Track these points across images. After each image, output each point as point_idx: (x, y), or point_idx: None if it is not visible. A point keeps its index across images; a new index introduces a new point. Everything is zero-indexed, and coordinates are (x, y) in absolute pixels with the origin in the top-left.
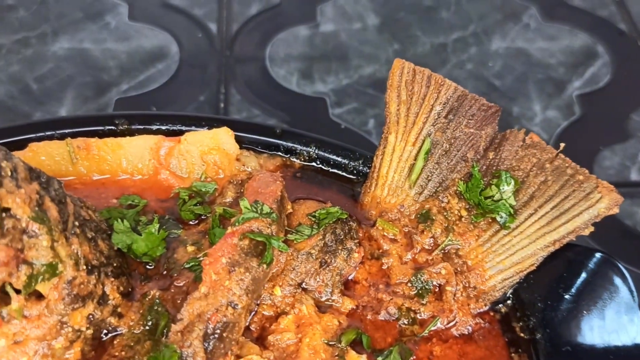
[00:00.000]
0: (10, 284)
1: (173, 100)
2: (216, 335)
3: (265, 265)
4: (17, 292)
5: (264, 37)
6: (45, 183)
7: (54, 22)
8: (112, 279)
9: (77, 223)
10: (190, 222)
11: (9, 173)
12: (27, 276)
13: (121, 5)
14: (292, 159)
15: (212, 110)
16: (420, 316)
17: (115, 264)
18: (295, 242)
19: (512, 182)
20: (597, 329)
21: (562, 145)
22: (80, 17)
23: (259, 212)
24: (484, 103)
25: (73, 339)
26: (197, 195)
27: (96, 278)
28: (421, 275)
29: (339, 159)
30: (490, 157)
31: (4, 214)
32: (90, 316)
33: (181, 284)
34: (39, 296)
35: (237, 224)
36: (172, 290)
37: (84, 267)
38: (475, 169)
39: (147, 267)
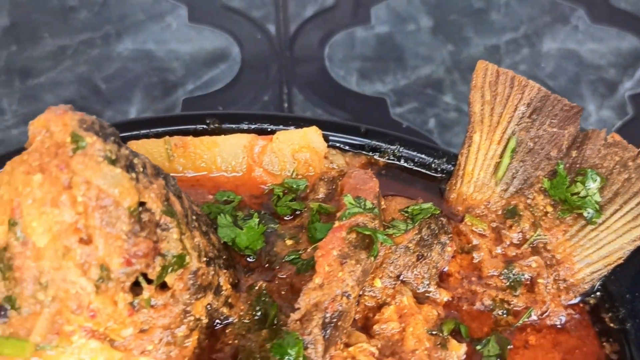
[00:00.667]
0: (144, 275)
1: (238, 100)
2: (332, 324)
3: (372, 258)
4: (148, 282)
5: (321, 38)
6: (165, 179)
7: (116, 23)
8: (224, 271)
9: (194, 217)
10: (286, 217)
11: (141, 169)
12: (160, 267)
13: (181, 7)
14: (376, 157)
15: (277, 110)
16: (514, 307)
17: (224, 257)
18: (393, 236)
19: (598, 179)
20: None
21: None
22: (142, 18)
23: (362, 207)
24: (566, 103)
25: (193, 327)
26: (290, 192)
27: (213, 269)
28: (512, 268)
29: (423, 156)
30: (574, 156)
31: (141, 208)
32: (208, 306)
33: (284, 276)
34: (164, 287)
35: (343, 218)
36: (277, 282)
37: (204, 258)
38: (561, 166)
39: (249, 259)
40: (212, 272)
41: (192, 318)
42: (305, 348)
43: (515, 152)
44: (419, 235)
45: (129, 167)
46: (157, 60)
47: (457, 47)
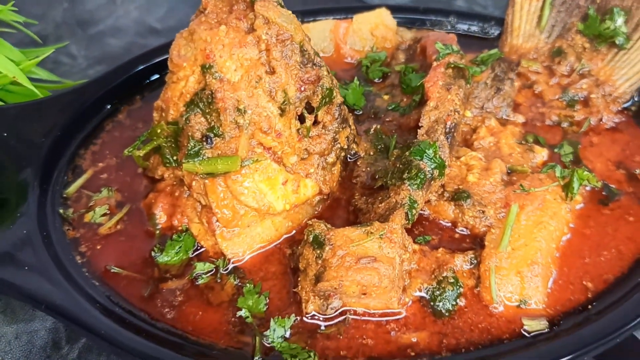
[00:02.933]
0: (306, 106)
1: None
2: (451, 133)
3: (468, 85)
4: (309, 113)
5: None
6: None
7: None
8: (350, 114)
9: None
10: (376, 80)
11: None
12: (320, 96)
13: None
14: (436, 30)
15: None
16: (576, 119)
17: None
18: (474, 75)
19: (622, 13)
20: None
21: None
22: None
23: (451, 50)
24: None
25: (338, 155)
26: (374, 62)
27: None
28: (568, 91)
29: (475, 22)
30: (598, 2)
31: (304, 48)
32: (347, 138)
33: (390, 119)
34: (316, 123)
35: (439, 58)
36: (385, 125)
37: (340, 97)
38: (591, 10)
39: (356, 113)
40: (346, 110)
41: (338, 146)
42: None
43: (553, 4)
44: (493, 73)
45: None
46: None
47: None
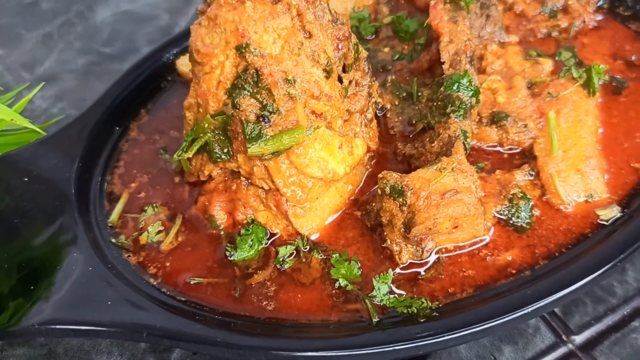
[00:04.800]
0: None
1: None
2: (472, 61)
3: (468, 14)
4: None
5: None
6: None
7: (83, 1)
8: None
9: None
10: (369, 37)
11: None
12: (353, 51)
13: None
14: None
15: None
16: (562, 27)
17: None
18: (465, 6)
19: None
20: None
21: None
22: None
23: None
24: None
25: (374, 109)
26: (362, 20)
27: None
28: (547, 4)
29: None
30: None
31: (329, 7)
32: (376, 90)
33: (399, 68)
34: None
35: None
36: (397, 75)
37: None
38: None
39: None
40: (370, 64)
41: (373, 100)
42: None
43: None
44: (479, 2)
45: None
46: (138, 14)
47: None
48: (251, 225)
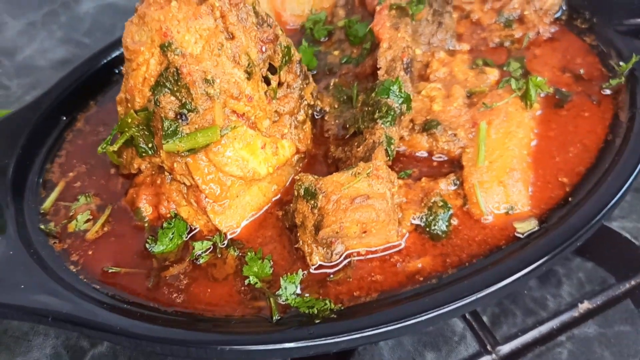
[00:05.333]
0: (269, 68)
1: None
2: (409, 68)
3: (413, 21)
4: (273, 74)
5: None
6: None
7: None
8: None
9: None
10: (322, 39)
11: None
12: (281, 54)
13: None
14: None
15: None
16: (516, 37)
17: None
18: (414, 14)
19: None
20: None
21: None
22: None
23: None
24: None
25: (307, 112)
26: (317, 22)
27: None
28: (503, 13)
29: None
30: None
31: (256, 10)
32: (311, 94)
33: (345, 72)
34: (280, 85)
35: (381, 2)
36: (342, 78)
37: (298, 54)
38: None
39: (312, 73)
40: (305, 66)
41: (305, 103)
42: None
43: None
44: (432, 9)
45: None
46: (121, 7)
47: None
48: (174, 220)
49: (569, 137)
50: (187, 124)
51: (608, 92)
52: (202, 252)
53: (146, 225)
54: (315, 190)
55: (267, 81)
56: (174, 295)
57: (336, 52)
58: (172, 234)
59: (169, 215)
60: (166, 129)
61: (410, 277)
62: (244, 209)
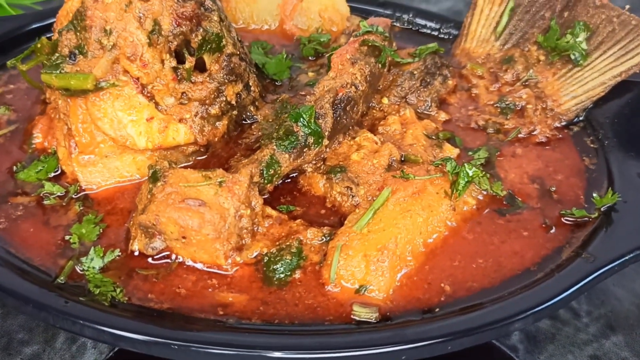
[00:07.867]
0: (187, 46)
1: None
2: (342, 106)
3: (380, 65)
4: (191, 55)
5: None
6: None
7: None
8: (254, 76)
9: (230, 24)
10: (310, 58)
11: None
12: (201, 37)
13: None
14: (393, 24)
15: None
16: (505, 127)
17: (255, 69)
18: (401, 63)
19: (584, 28)
20: None
21: (628, 6)
22: None
23: (374, 30)
24: None
25: (224, 110)
26: (312, 41)
27: (245, 66)
28: (506, 99)
29: (433, 24)
30: (565, 16)
31: None
32: (238, 96)
33: (304, 94)
34: (203, 70)
35: (358, 35)
36: (297, 97)
37: (238, 52)
38: (553, 21)
39: (276, 84)
40: (244, 68)
41: (224, 99)
42: (317, 118)
43: (514, 12)
44: (424, 65)
45: None
46: None
47: None
48: (50, 156)
49: (488, 248)
50: (74, 64)
51: (567, 220)
52: (49, 194)
53: (30, 151)
54: (161, 176)
55: (182, 60)
56: (1, 219)
57: (311, 74)
58: (42, 168)
59: (50, 151)
60: (53, 61)
61: (212, 306)
62: (111, 173)
